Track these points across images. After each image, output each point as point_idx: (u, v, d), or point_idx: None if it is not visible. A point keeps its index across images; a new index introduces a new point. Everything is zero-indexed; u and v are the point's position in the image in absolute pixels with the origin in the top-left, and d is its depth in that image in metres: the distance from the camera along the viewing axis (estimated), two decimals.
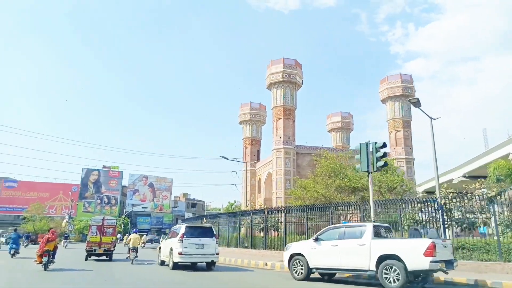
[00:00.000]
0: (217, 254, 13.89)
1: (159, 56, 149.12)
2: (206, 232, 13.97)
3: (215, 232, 14.56)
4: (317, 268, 10.32)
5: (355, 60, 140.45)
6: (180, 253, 13.03)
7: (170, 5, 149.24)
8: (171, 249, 13.71)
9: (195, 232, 13.72)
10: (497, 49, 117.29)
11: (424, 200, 14.61)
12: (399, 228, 13.89)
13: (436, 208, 13.52)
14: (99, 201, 74.12)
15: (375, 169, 12.59)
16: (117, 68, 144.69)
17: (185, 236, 13.26)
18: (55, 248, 13.17)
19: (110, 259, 17.37)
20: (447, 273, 8.98)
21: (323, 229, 11.23)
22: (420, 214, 14.49)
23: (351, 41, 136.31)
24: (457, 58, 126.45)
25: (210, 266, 13.82)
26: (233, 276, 12.59)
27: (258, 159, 52.06)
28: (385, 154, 12.90)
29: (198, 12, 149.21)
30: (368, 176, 13.68)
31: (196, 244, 13.30)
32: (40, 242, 13.56)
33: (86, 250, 17.29)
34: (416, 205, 14.80)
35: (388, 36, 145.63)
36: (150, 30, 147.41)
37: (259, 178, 49.56)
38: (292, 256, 10.90)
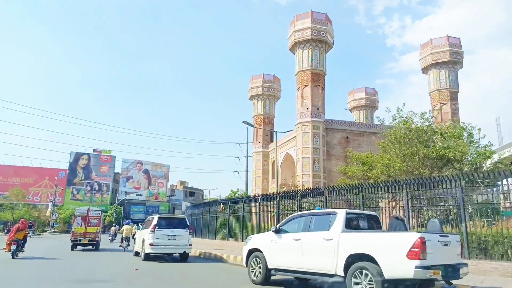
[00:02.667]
0: (190, 245, 13.92)
1: (158, 42, 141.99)
2: (179, 223, 14.07)
3: (188, 223, 14.52)
4: (276, 269, 8.20)
5: (352, 53, 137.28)
6: (151, 244, 13.14)
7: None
8: (143, 240, 13.80)
9: (167, 223, 13.84)
10: (493, 43, 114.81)
11: None
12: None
13: None
14: (89, 188, 67.63)
15: None
16: (113, 53, 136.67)
17: (157, 227, 13.35)
18: (25, 237, 14.15)
19: (96, 249, 18.22)
20: (450, 284, 6.31)
21: (288, 217, 8.96)
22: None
23: (348, 33, 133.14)
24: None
25: (183, 257, 13.85)
26: (191, 269, 12.15)
27: (271, 140, 44.97)
28: None
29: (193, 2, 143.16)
30: None
31: (168, 235, 13.40)
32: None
33: (71, 240, 17.93)
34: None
35: (385, 29, 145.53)
36: (146, 19, 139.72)
37: (273, 161, 42.50)
38: (250, 252, 8.97)
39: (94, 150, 70.34)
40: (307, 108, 31.62)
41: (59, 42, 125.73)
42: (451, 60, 35.53)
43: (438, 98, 35.90)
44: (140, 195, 69.96)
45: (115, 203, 63.50)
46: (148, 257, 13.46)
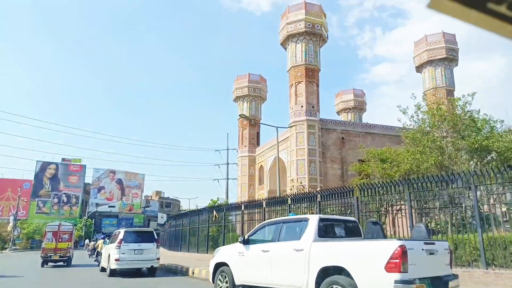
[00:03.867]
0: (158, 259, 13.57)
1: (134, 49, 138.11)
2: (147, 237, 13.80)
3: (156, 237, 14.19)
4: (244, 286, 7.27)
5: (326, 64, 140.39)
6: (117, 260, 12.76)
7: (142, 4, 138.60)
8: (109, 255, 13.43)
9: (134, 237, 13.58)
10: (465, 53, 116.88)
11: None
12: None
13: None
14: (56, 200, 62.29)
15: None
16: (87, 59, 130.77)
17: (123, 242, 13.04)
18: None
19: (68, 265, 17.88)
20: None
21: (258, 225, 8.05)
22: None
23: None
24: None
25: (150, 272, 13.53)
26: (155, 285, 11.79)
27: (258, 143, 42.15)
28: None
29: (170, 9, 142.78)
30: None
31: (135, 249, 13.10)
32: None
33: (41, 256, 17.54)
34: None
35: (357, 40, 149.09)
36: (120, 28, 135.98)
37: (261, 166, 39.65)
38: (217, 266, 7.95)
39: (63, 159, 65.20)
40: (302, 106, 29.02)
41: (34, 47, 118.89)
42: (447, 57, 34.08)
43: (434, 97, 34.19)
44: (113, 206, 65.16)
45: (85, 215, 58.63)
46: (114, 273, 13.09)
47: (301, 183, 25.41)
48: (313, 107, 29.21)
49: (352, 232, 6.92)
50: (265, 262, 6.70)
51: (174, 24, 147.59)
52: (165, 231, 33.00)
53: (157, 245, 13.66)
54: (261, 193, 37.07)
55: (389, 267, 4.82)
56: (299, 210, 12.99)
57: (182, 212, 37.69)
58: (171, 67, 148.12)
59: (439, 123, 13.84)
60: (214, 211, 18.04)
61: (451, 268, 5.83)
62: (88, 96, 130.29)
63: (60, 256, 17.40)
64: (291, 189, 24.25)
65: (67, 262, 17.81)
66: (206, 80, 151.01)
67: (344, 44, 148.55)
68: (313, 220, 6.34)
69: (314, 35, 30.14)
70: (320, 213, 11.79)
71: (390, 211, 11.31)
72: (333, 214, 11.69)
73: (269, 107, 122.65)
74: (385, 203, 11.18)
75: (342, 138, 30.66)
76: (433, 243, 5.67)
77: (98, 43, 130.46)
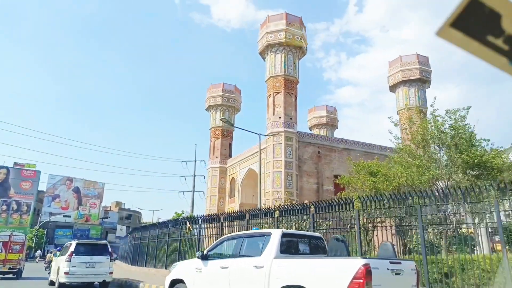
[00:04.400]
0: (111, 273, 13.02)
1: (97, 60, 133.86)
2: (100, 250, 13.25)
3: (110, 250, 13.60)
4: None
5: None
6: (66, 273, 12.17)
7: (112, 12, 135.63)
8: (59, 268, 12.84)
9: (86, 249, 13.07)
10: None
11: None
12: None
13: None
14: (5, 207, 57.20)
15: None
16: (53, 64, 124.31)
17: (74, 254, 12.45)
18: None
19: (18, 277, 17.14)
20: None
21: (219, 239, 7.54)
22: None
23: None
24: (383, 88, 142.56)
25: (103, 286, 13.02)
26: None
27: (230, 155, 40.86)
28: None
29: (141, 19, 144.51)
30: None
31: (86, 262, 12.54)
32: None
33: None
34: None
35: (323, 63, 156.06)
36: (87, 37, 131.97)
37: (232, 178, 38.29)
38: (173, 283, 7.33)
39: (15, 163, 60.30)
40: (279, 117, 28.24)
41: None
42: (421, 78, 34.84)
43: (407, 116, 34.66)
44: (68, 216, 60.83)
45: (36, 225, 54.18)
46: (62, 287, 12.54)
47: (286, 194, 24.28)
48: (291, 118, 28.55)
49: (318, 249, 6.56)
50: (224, 279, 6.23)
51: (144, 35, 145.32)
52: (127, 244, 30.67)
53: (110, 259, 13.30)
54: (232, 206, 35.59)
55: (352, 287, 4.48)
56: (288, 225, 11.85)
57: (149, 223, 35.40)
58: (141, 77, 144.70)
59: (436, 136, 13.24)
60: (188, 223, 16.49)
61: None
62: (48, 100, 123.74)
63: (10, 268, 16.71)
64: (264, 204, 23.04)
65: (16, 274, 17.02)
66: (175, 92, 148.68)
67: (311, 66, 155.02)
68: (276, 235, 5.93)
69: (294, 46, 29.72)
70: (314, 228, 10.78)
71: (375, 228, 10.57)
72: (327, 229, 10.80)
73: (242, 119, 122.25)
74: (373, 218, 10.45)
75: (319, 152, 30.12)
76: (399, 263, 5.36)
77: (64, 49, 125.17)
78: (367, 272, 4.49)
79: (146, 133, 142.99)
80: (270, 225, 12.44)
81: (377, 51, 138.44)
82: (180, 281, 7.21)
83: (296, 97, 29.88)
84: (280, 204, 14.57)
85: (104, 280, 12.82)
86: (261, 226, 12.02)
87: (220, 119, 16.14)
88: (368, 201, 10.19)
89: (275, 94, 29.04)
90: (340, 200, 10.86)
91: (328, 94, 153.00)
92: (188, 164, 51.18)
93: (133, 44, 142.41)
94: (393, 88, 36.61)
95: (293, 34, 29.62)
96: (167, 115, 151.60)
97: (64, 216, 60.07)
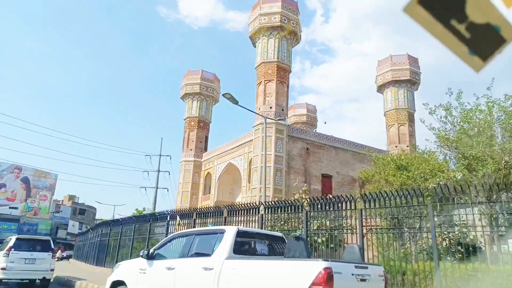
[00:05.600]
0: (52, 270, 12.71)
1: (56, 49, 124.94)
2: (42, 246, 12.83)
3: (52, 246, 13.26)
4: None
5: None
6: (3, 269, 11.80)
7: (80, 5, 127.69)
8: None
9: (27, 245, 12.61)
10: (374, 95, 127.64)
11: None
12: None
13: None
14: None
15: None
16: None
17: (13, 249, 12.10)
18: None
19: None
20: None
21: (168, 237, 6.99)
22: None
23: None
24: (344, 98, 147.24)
25: (43, 284, 12.56)
26: None
27: (205, 149, 37.84)
28: None
29: (108, 11, 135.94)
30: None
31: (26, 258, 12.21)
32: None
33: None
34: None
35: None
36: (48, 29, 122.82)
37: (208, 173, 35.29)
38: (114, 285, 6.62)
39: None
40: (270, 107, 25.76)
41: None
42: (411, 80, 33.80)
43: (395, 118, 33.56)
44: (15, 208, 54.77)
45: None
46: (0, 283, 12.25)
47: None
48: (282, 109, 26.18)
49: (278, 250, 5.96)
50: (169, 282, 5.60)
51: (108, 25, 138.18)
52: (88, 242, 26.99)
53: (52, 255, 13.06)
54: (206, 204, 32.60)
55: None
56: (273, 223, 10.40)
57: (107, 220, 31.50)
58: (101, 68, 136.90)
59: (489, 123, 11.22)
60: (178, 217, 13.59)
61: None
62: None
63: None
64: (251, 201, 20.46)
65: None
66: (139, 85, 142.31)
67: None
68: (230, 232, 5.36)
69: (288, 32, 27.40)
70: (307, 228, 9.66)
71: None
72: (325, 230, 9.70)
73: (220, 112, 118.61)
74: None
75: (307, 149, 27.98)
76: (366, 267, 4.78)
77: (21, 36, 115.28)
78: (328, 277, 3.89)
79: (107, 127, 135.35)
80: (256, 223, 10.86)
81: (339, 62, 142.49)
82: (122, 283, 6.49)
83: (288, 88, 27.58)
84: (266, 201, 12.35)
85: (44, 277, 12.42)
86: (246, 226, 10.81)
87: (223, 95, 13.34)
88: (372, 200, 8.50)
89: (266, 81, 26.55)
90: (342, 198, 9.28)
91: (292, 100, 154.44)
92: (153, 158, 47.34)
93: (94, 33, 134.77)
94: (381, 88, 35.35)
95: (289, 19, 27.32)
96: (129, 107, 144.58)
97: (10, 207, 53.99)
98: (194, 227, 12.77)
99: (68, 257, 41.77)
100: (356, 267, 4.47)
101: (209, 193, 34.63)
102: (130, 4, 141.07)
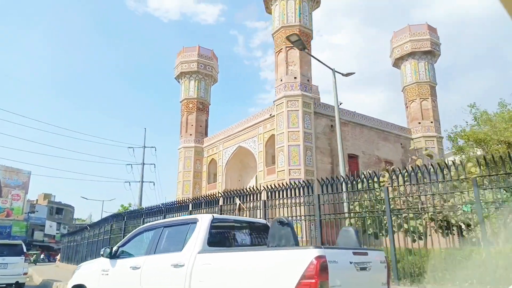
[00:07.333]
0: (25, 274, 12.85)
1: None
2: (13, 250, 12.92)
3: (25, 250, 13.27)
4: None
5: (231, 80, 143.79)
6: None
7: None
8: None
9: None
10: (350, 87, 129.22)
11: None
12: None
13: None
14: None
15: None
16: None
17: None
18: None
19: None
20: None
21: (133, 231, 5.74)
22: None
23: (228, 60, 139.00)
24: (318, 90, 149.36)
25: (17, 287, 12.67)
26: None
27: (206, 134, 34.05)
28: None
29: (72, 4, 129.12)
30: None
31: None
32: None
33: None
34: None
35: (261, 62, 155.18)
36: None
37: (212, 160, 31.56)
38: None
39: None
40: (295, 78, 22.31)
41: None
42: (431, 51, 31.13)
43: (417, 92, 30.86)
44: None
45: None
46: None
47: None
48: (308, 80, 22.76)
49: (263, 240, 4.95)
50: (134, 284, 4.71)
51: (76, 16, 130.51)
52: (76, 243, 23.16)
53: (25, 259, 12.99)
54: (214, 192, 29.00)
55: (302, 286, 3.10)
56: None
57: (83, 221, 27.31)
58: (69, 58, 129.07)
59: None
60: (238, 201, 10.27)
61: None
62: None
63: None
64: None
65: None
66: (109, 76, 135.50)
67: (248, 64, 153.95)
68: (203, 221, 4.46)
69: None
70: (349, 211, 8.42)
71: None
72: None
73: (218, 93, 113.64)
74: None
75: (331, 126, 24.79)
76: (366, 253, 3.87)
77: None
78: (322, 267, 3.11)
79: (84, 119, 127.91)
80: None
81: (313, 54, 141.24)
82: (83, 287, 5.65)
83: (310, 58, 24.15)
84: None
85: (17, 282, 12.54)
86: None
87: (288, 37, 9.82)
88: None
89: (288, 48, 22.99)
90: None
91: (264, 93, 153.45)
92: (136, 151, 42.66)
93: (60, 22, 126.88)
94: (398, 61, 32.50)
95: None
96: (104, 99, 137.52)
97: None
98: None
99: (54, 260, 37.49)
100: (354, 253, 3.68)
101: (215, 181, 30.98)
102: None
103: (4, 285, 12.61)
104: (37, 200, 68.84)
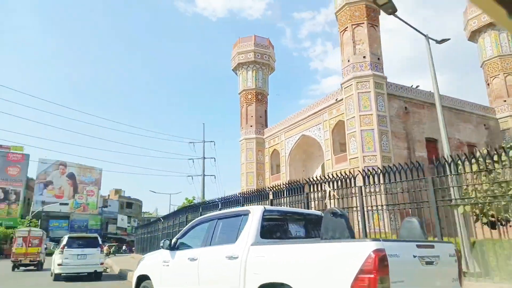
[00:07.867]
0: (102, 264, 14.00)
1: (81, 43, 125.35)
2: (91, 242, 14.21)
3: (100, 242, 14.58)
4: None
5: (280, 74, 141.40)
6: (59, 265, 13.17)
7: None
8: (54, 260, 13.99)
9: (78, 242, 13.99)
10: (399, 72, 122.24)
11: None
12: None
13: None
14: None
15: None
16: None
17: (66, 247, 13.45)
18: None
19: (39, 269, 18.43)
20: None
21: (190, 223, 5.76)
22: None
23: (277, 54, 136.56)
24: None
25: (95, 276, 13.76)
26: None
27: (266, 124, 33.38)
28: None
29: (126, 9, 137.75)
30: None
31: (78, 255, 13.47)
32: None
33: (12, 261, 18.28)
34: None
35: (310, 52, 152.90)
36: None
37: (274, 150, 30.86)
38: (139, 279, 6.05)
39: (0, 146, 51.72)
40: (364, 57, 20.72)
41: None
42: None
43: (500, 67, 27.53)
44: (65, 204, 52.98)
45: (28, 215, 46.02)
46: (58, 277, 13.36)
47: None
48: (378, 59, 21.05)
49: (318, 232, 4.52)
50: (192, 274, 4.79)
51: (132, 21, 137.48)
52: (150, 234, 23.63)
53: (101, 251, 14.01)
54: (277, 183, 28.31)
55: (357, 286, 2.90)
56: None
57: (151, 214, 27.96)
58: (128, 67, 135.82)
59: None
60: (328, 187, 9.37)
61: (461, 286, 3.71)
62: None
63: (30, 261, 18.07)
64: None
65: (37, 266, 18.32)
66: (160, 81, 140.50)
67: (297, 55, 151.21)
68: (255, 213, 4.41)
69: None
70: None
71: None
72: None
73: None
74: None
75: (406, 108, 22.78)
76: (432, 246, 3.59)
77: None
78: (381, 261, 2.90)
79: (144, 116, 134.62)
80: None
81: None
82: (146, 277, 5.82)
83: (379, 33, 22.32)
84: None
85: (95, 271, 13.54)
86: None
87: (374, 2, 8.85)
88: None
89: (354, 26, 21.41)
90: None
91: (315, 84, 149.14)
92: (196, 145, 43.45)
93: (119, 29, 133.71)
94: (475, 34, 29.27)
95: None
96: (166, 98, 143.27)
97: (60, 204, 52.15)
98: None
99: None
100: (418, 246, 3.40)
101: (278, 172, 30.25)
102: (150, 2, 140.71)
103: (86, 274, 13.84)
104: (109, 195, 73.09)
